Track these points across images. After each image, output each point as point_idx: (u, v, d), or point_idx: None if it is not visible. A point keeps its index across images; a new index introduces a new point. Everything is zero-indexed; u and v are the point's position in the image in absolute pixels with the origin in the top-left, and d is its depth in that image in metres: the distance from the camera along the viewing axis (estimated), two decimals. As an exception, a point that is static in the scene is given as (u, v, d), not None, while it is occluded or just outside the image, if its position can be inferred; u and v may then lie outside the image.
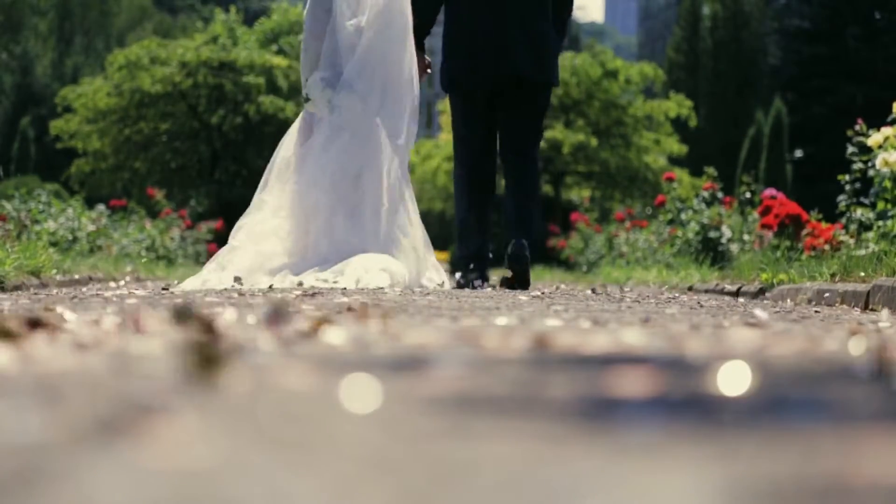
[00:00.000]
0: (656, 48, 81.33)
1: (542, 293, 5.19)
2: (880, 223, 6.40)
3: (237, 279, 5.41)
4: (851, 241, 6.79)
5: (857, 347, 2.00)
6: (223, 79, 27.11)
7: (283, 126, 16.87)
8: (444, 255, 25.43)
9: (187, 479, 0.79)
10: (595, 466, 0.85)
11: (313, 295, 4.21)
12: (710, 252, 9.79)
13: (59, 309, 2.90)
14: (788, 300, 4.98)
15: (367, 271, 5.47)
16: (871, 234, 6.47)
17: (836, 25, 38.05)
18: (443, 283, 6.02)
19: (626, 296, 5.22)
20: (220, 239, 18.53)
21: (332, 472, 0.82)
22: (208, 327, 1.69)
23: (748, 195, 10.76)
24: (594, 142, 27.01)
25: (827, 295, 4.59)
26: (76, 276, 6.75)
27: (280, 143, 6.28)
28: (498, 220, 13.80)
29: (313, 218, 5.87)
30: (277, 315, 2.06)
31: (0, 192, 18.65)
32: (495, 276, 6.53)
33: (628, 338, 2.12)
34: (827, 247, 7.13)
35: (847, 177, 7.25)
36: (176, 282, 5.84)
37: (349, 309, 3.07)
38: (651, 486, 0.79)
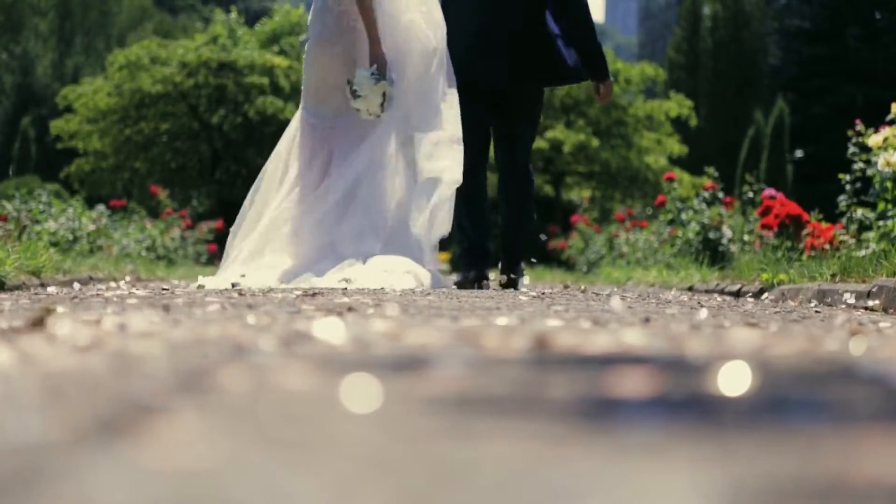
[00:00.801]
0: (657, 48, 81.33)
1: (544, 293, 5.19)
2: (881, 223, 6.40)
3: (233, 285, 5.40)
4: (852, 241, 6.80)
5: (857, 347, 2.00)
6: (224, 79, 27.13)
7: (284, 126, 16.85)
8: (445, 256, 25.42)
9: (187, 479, 0.79)
10: (595, 466, 0.85)
11: (314, 295, 4.21)
12: (711, 252, 9.80)
13: (59, 309, 2.90)
14: (789, 300, 4.98)
15: (389, 273, 5.47)
16: (871, 235, 6.47)
17: (837, 25, 38.05)
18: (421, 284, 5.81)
19: (613, 295, 5.22)
20: (221, 239, 18.57)
21: (332, 472, 0.82)
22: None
23: (750, 195, 10.76)
24: (595, 142, 27.01)
25: (827, 298, 4.59)
26: (76, 277, 6.75)
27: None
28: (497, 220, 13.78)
29: (326, 221, 5.87)
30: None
31: (1, 192, 18.65)
32: (493, 275, 6.56)
33: (629, 338, 2.12)
34: (827, 247, 7.14)
35: (847, 176, 7.25)
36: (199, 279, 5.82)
37: (350, 309, 3.07)
38: (651, 486, 0.79)
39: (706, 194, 10.82)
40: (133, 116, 27.50)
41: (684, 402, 1.25)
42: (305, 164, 6.06)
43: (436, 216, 5.83)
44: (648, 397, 1.27)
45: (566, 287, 6.14)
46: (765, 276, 5.84)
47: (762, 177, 31.20)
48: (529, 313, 3.14)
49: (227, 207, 24.23)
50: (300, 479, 0.80)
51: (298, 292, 4.46)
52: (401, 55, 6.05)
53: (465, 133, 6.11)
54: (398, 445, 0.94)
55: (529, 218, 6.30)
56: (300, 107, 6.26)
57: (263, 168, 6.20)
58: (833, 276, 5.15)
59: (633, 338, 2.13)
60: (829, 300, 4.55)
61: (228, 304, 3.41)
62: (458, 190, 6.09)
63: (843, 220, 7.33)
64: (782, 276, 5.66)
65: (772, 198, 8.76)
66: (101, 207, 12.60)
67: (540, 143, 25.98)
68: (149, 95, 27.08)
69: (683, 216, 10.89)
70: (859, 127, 7.20)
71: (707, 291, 6.45)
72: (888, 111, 6.71)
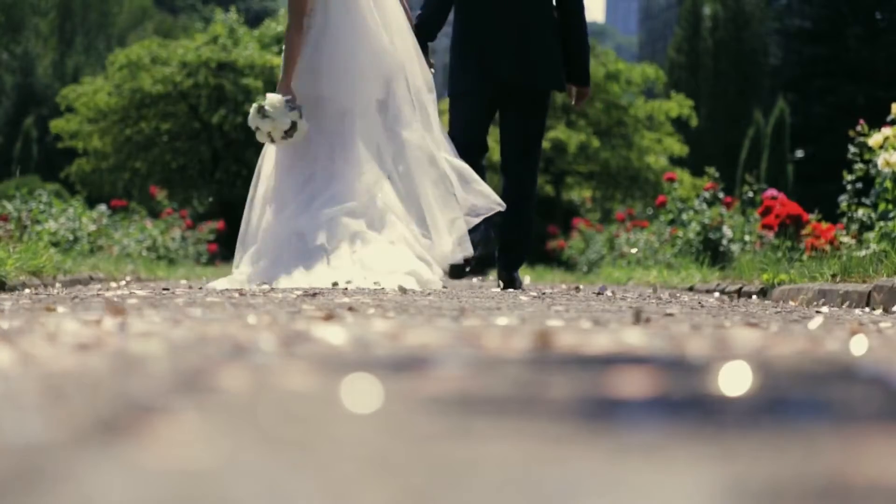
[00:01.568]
0: (657, 48, 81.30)
1: (544, 293, 5.19)
2: (881, 223, 6.39)
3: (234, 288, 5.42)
4: (852, 241, 6.79)
5: (857, 347, 2.00)
6: (224, 79, 27.13)
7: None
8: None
9: (187, 479, 0.79)
10: (595, 466, 0.85)
11: (314, 295, 4.21)
12: (711, 252, 9.79)
13: (59, 309, 2.90)
14: (790, 300, 4.98)
15: (390, 273, 5.47)
16: (871, 235, 6.46)
17: (837, 26, 38.03)
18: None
19: (606, 294, 5.22)
20: (221, 239, 18.58)
21: (332, 472, 0.82)
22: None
23: (751, 195, 10.76)
24: (595, 142, 27.01)
25: (826, 299, 4.59)
26: (77, 276, 6.75)
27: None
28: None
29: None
30: None
31: (1, 191, 18.66)
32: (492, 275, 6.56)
33: (629, 338, 2.12)
34: (828, 247, 7.13)
35: (849, 176, 7.24)
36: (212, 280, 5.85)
37: (350, 309, 3.07)
38: (651, 486, 0.79)
39: (707, 194, 10.82)
40: (133, 116, 27.49)
41: (685, 403, 1.25)
42: (286, 170, 6.07)
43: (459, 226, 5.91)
44: (649, 397, 1.27)
45: (578, 289, 6.08)
46: (765, 276, 5.84)
47: (763, 177, 31.17)
48: (530, 313, 3.14)
49: (227, 207, 24.23)
50: (300, 479, 0.79)
51: (299, 292, 4.46)
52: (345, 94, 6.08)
53: (467, 138, 6.11)
54: (398, 445, 0.94)
55: (530, 218, 6.28)
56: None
57: (257, 167, 6.21)
58: (833, 276, 5.14)
59: (634, 338, 2.12)
60: (829, 300, 4.55)
61: (229, 303, 3.41)
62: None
63: (844, 221, 7.32)
64: (783, 277, 5.66)
65: (772, 198, 8.76)
66: (101, 207, 12.60)
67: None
68: (149, 95, 27.06)
69: (684, 216, 10.89)
70: (861, 127, 7.20)
71: (708, 291, 6.45)
72: (889, 111, 6.71)
